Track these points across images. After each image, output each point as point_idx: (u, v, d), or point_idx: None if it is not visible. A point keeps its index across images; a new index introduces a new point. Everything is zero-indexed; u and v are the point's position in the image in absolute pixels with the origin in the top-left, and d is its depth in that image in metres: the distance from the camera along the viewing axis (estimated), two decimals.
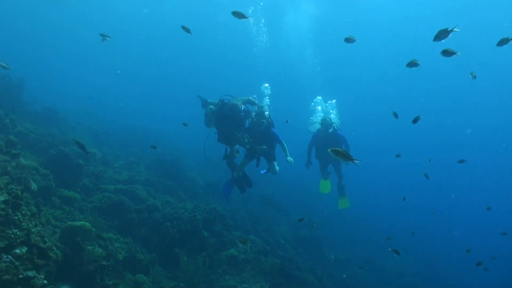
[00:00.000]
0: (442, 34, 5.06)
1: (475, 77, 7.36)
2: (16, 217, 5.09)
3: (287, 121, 9.73)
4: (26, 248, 5.06)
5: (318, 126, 11.07)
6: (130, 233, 9.60)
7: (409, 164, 38.99)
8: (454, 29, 4.95)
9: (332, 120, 11.01)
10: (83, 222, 7.13)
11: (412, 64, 6.05)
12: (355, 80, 47.03)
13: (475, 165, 42.43)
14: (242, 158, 9.50)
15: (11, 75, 14.81)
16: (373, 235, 23.15)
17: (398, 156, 11.39)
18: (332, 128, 10.82)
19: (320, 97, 14.16)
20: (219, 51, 49.49)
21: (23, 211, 5.31)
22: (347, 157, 4.33)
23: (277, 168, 9.52)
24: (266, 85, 10.95)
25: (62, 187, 9.63)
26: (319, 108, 13.63)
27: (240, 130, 8.99)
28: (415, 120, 7.13)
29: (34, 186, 7.05)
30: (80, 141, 12.09)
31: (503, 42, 5.67)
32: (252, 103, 9.20)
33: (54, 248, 6.03)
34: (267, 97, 10.64)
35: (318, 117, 12.85)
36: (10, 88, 13.95)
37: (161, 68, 54.97)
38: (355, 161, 4.37)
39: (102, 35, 8.20)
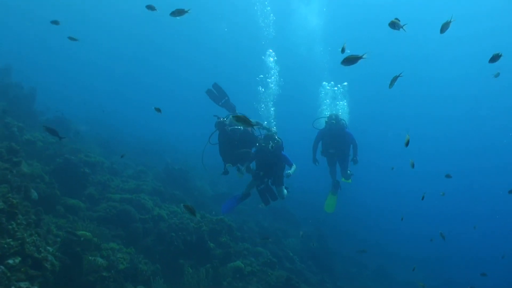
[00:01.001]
0: (395, 25, 5.02)
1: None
2: (10, 227, 5.00)
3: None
4: (20, 259, 4.96)
5: (324, 122, 10.57)
6: (134, 243, 9.47)
7: (419, 167, 38.34)
8: (403, 28, 4.94)
9: (340, 117, 10.49)
10: (83, 232, 7.04)
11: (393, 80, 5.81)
12: (367, 77, 46.14)
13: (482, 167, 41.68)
14: (250, 179, 9.26)
15: (23, 84, 14.96)
16: (385, 245, 22.75)
17: (392, 168, 11.04)
18: (339, 124, 10.31)
19: (332, 82, 13.48)
20: (226, 50, 49.25)
21: (19, 220, 5.23)
22: (248, 122, 4.43)
23: (285, 192, 9.24)
24: (270, 50, 10.67)
25: (67, 195, 9.59)
26: (326, 89, 12.89)
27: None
28: (406, 143, 6.91)
29: (34, 194, 6.99)
30: (88, 149, 12.08)
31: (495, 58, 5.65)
32: (260, 126, 8.94)
33: (51, 258, 5.93)
34: (272, 109, 10.41)
35: (325, 112, 12.32)
36: (21, 97, 14.06)
37: (165, 69, 54.99)
38: (252, 122, 4.46)
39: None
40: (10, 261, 4.79)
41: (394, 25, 5.09)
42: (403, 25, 5.04)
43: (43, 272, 5.26)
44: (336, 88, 13.85)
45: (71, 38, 8.28)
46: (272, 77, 10.68)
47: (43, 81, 29.66)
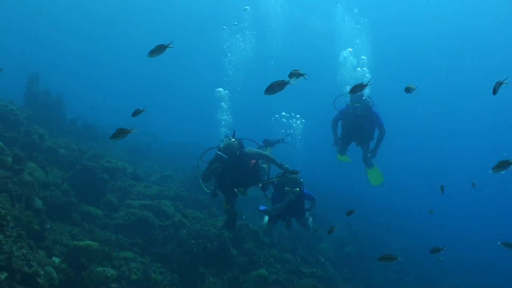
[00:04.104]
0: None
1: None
2: None
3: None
4: (6, 274, 4.65)
5: (347, 100, 8.84)
6: (153, 252, 9.16)
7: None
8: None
9: (365, 96, 8.66)
10: (89, 242, 6.73)
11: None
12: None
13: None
14: (267, 222, 8.42)
15: (51, 92, 15.09)
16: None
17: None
18: (364, 105, 8.62)
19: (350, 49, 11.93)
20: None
21: (7, 233, 4.93)
22: None
23: (311, 220, 8.36)
24: None
25: (85, 203, 9.40)
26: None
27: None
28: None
29: (38, 203, 6.74)
30: (113, 155, 11.88)
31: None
32: (273, 162, 7.66)
33: (50, 271, 5.63)
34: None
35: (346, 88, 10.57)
36: (48, 105, 14.17)
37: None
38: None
39: None
40: None
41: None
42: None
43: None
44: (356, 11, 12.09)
45: None
46: None
47: (74, 89, 30.24)
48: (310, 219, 8.27)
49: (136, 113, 4.91)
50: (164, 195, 11.50)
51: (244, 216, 13.24)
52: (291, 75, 4.35)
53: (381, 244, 18.86)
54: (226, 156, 6.91)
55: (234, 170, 7.20)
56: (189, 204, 11.83)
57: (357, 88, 5.17)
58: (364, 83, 5.23)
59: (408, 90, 5.81)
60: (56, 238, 6.98)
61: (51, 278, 5.53)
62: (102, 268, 6.86)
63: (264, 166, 8.16)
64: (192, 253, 9.08)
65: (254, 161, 7.51)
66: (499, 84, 4.73)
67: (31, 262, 5.00)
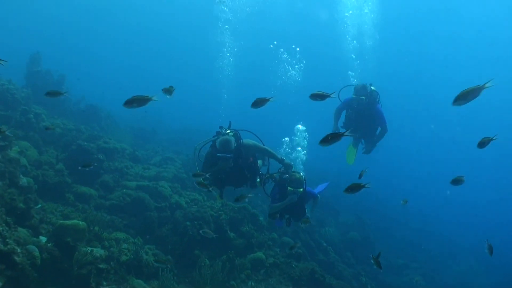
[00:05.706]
0: None
1: None
2: None
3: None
4: None
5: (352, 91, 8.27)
6: (148, 233, 9.04)
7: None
8: None
9: (370, 89, 8.11)
10: (75, 221, 6.56)
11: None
12: None
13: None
14: (267, 218, 8.04)
15: (53, 73, 14.96)
16: (440, 235, 21.08)
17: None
18: (369, 99, 8.08)
19: None
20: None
21: None
22: None
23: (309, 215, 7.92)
24: None
25: (80, 183, 9.28)
26: None
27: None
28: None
29: (23, 181, 6.58)
30: (112, 137, 11.70)
31: None
32: (273, 156, 7.00)
33: (32, 249, 5.49)
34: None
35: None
36: (49, 85, 14.01)
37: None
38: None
39: None
40: None
41: None
42: None
43: (10, 266, 4.77)
44: None
45: None
46: None
47: (80, 71, 30.19)
48: (309, 215, 7.92)
49: None
50: (162, 176, 11.33)
51: (246, 200, 13.04)
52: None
53: (386, 230, 18.63)
54: (230, 155, 6.33)
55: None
56: (187, 186, 11.67)
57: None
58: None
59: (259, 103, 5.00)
60: (44, 217, 6.84)
61: (32, 257, 5.39)
62: (90, 248, 6.72)
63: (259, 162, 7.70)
64: (187, 235, 8.92)
65: (252, 159, 7.02)
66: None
67: (7, 240, 4.84)
